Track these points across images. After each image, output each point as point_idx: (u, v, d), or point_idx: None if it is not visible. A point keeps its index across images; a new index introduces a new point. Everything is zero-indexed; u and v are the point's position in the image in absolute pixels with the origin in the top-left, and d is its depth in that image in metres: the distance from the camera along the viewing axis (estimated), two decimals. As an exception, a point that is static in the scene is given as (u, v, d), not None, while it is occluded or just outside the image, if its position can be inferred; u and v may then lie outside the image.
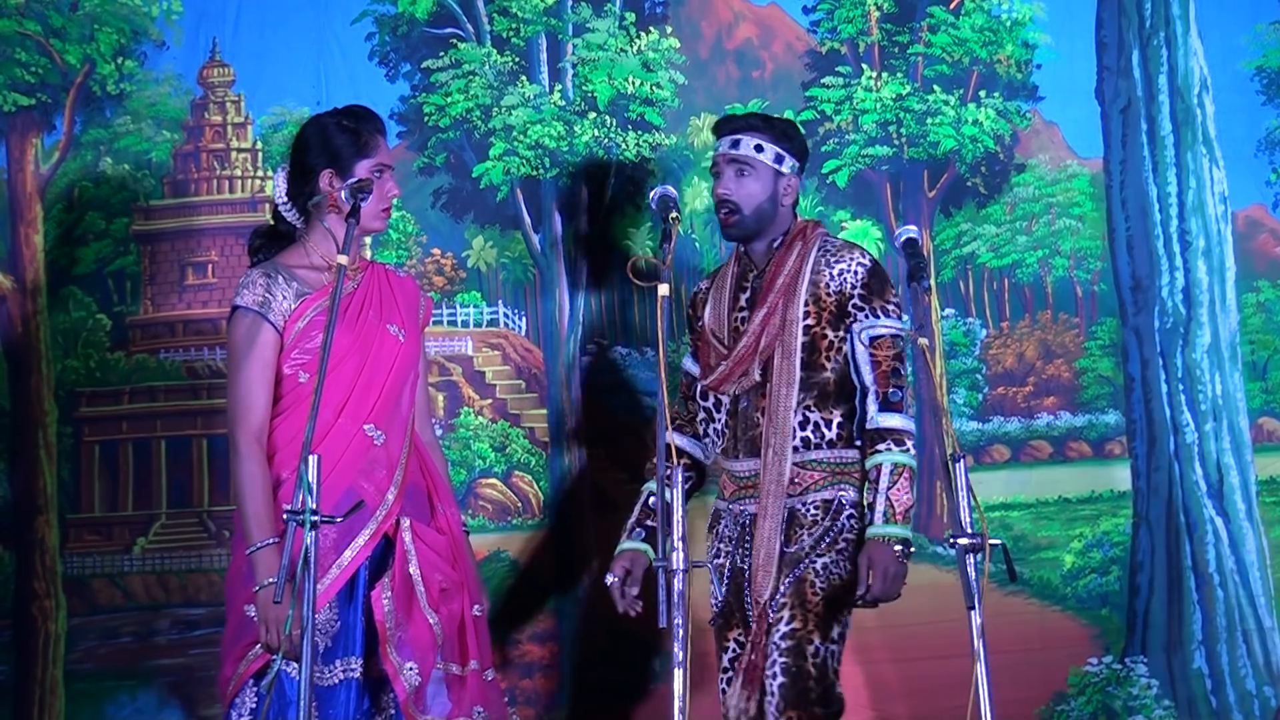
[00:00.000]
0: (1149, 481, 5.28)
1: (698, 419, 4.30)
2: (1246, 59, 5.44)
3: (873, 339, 4.07)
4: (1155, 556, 5.25)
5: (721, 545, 4.18)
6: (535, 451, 5.22)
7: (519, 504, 5.19)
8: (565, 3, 5.34)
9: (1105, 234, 5.37)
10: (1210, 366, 5.31)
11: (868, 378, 4.07)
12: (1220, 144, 5.38)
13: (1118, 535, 5.26)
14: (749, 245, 4.24)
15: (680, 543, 3.33)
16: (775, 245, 4.20)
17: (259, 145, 5.30)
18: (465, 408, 5.21)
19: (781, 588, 3.99)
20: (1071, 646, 5.21)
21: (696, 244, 5.29)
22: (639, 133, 5.31)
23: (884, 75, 5.37)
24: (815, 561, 4.00)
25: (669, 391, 3.85)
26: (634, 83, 5.32)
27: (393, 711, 3.89)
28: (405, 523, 3.91)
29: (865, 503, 4.06)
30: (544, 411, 5.23)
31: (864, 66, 5.37)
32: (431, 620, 3.86)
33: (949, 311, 5.33)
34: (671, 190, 3.98)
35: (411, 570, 3.88)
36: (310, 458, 3.44)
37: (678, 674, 3.29)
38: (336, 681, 3.83)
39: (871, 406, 4.06)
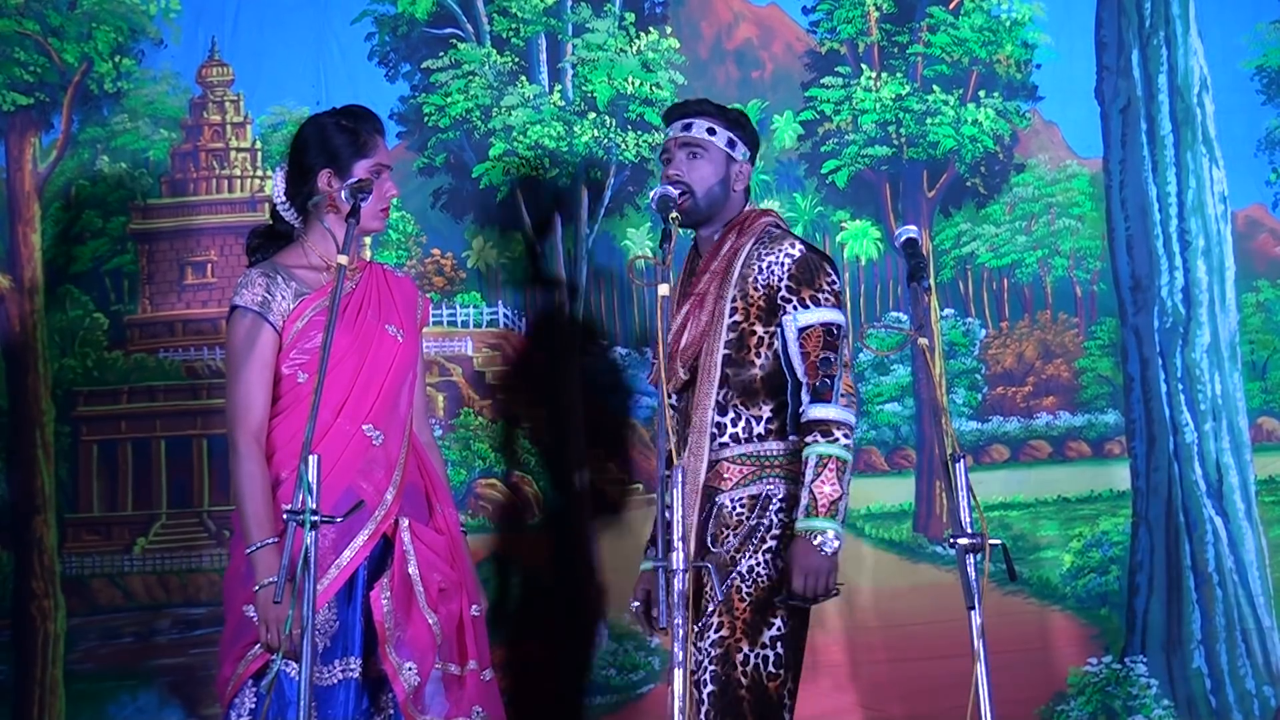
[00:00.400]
0: (1148, 481, 5.28)
1: None
2: (1246, 58, 5.44)
3: (801, 330, 3.95)
4: (1154, 556, 5.25)
5: None
6: (535, 451, 5.22)
7: (519, 504, 5.19)
8: (565, 3, 5.34)
9: (1105, 234, 5.37)
10: (1210, 366, 5.31)
11: (799, 370, 3.95)
12: (1220, 144, 5.38)
13: (1117, 535, 5.26)
14: (699, 232, 4.14)
15: (680, 543, 3.33)
16: (715, 235, 4.11)
17: (258, 145, 5.29)
18: (465, 408, 5.20)
19: (719, 594, 3.88)
20: (1071, 646, 5.21)
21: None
22: (639, 133, 5.30)
23: (883, 75, 5.37)
24: (741, 565, 3.90)
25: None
26: (634, 83, 5.32)
27: (392, 711, 3.88)
28: (404, 523, 3.91)
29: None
30: (544, 411, 5.23)
31: (863, 67, 5.37)
32: (430, 620, 3.86)
33: (948, 311, 5.33)
34: (671, 190, 3.96)
35: (410, 570, 3.88)
36: (310, 458, 3.44)
37: (678, 674, 3.28)
38: (335, 681, 3.83)
39: (804, 399, 3.93)
